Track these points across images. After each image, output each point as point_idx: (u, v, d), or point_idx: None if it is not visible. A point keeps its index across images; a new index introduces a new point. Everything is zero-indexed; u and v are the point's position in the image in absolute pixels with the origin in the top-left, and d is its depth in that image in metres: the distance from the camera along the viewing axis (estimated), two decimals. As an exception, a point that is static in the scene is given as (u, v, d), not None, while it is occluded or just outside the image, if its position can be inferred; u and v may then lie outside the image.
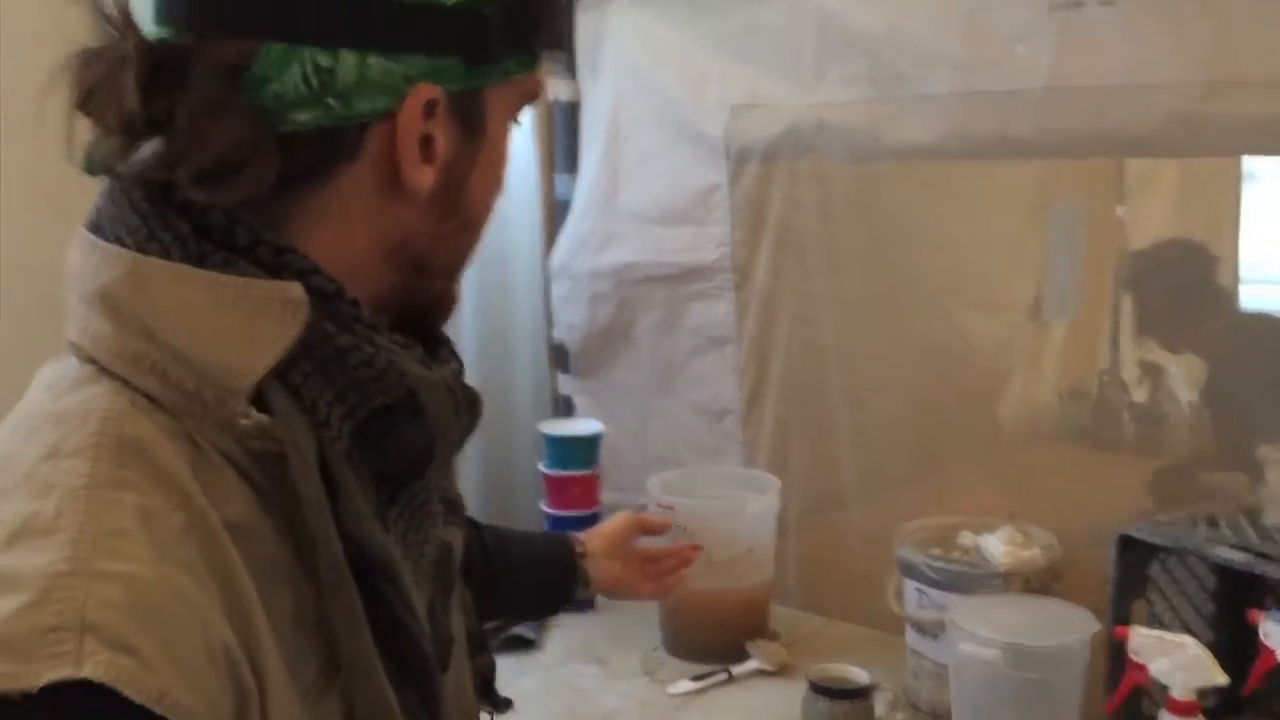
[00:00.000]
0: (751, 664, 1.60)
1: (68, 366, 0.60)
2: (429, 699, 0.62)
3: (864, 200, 1.76)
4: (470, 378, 2.06)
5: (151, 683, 0.49)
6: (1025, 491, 1.71)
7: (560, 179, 2.08)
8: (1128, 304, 2.27)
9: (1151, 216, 2.20)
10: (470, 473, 2.19)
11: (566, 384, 2.12)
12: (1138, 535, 1.31)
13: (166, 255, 0.59)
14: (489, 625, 1.64)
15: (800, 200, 1.78)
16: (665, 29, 1.89)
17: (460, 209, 0.67)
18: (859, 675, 1.40)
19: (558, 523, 1.83)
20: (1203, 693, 1.04)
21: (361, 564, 0.59)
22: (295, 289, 0.59)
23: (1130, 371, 2.10)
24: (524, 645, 1.69)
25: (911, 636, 1.50)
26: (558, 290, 2.07)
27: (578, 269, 2.02)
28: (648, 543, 1.47)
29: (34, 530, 0.51)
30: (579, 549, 1.33)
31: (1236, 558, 1.21)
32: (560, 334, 2.10)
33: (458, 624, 0.72)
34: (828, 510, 1.87)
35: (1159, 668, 1.04)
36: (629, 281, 1.96)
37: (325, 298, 0.61)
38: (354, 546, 0.59)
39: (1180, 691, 1.03)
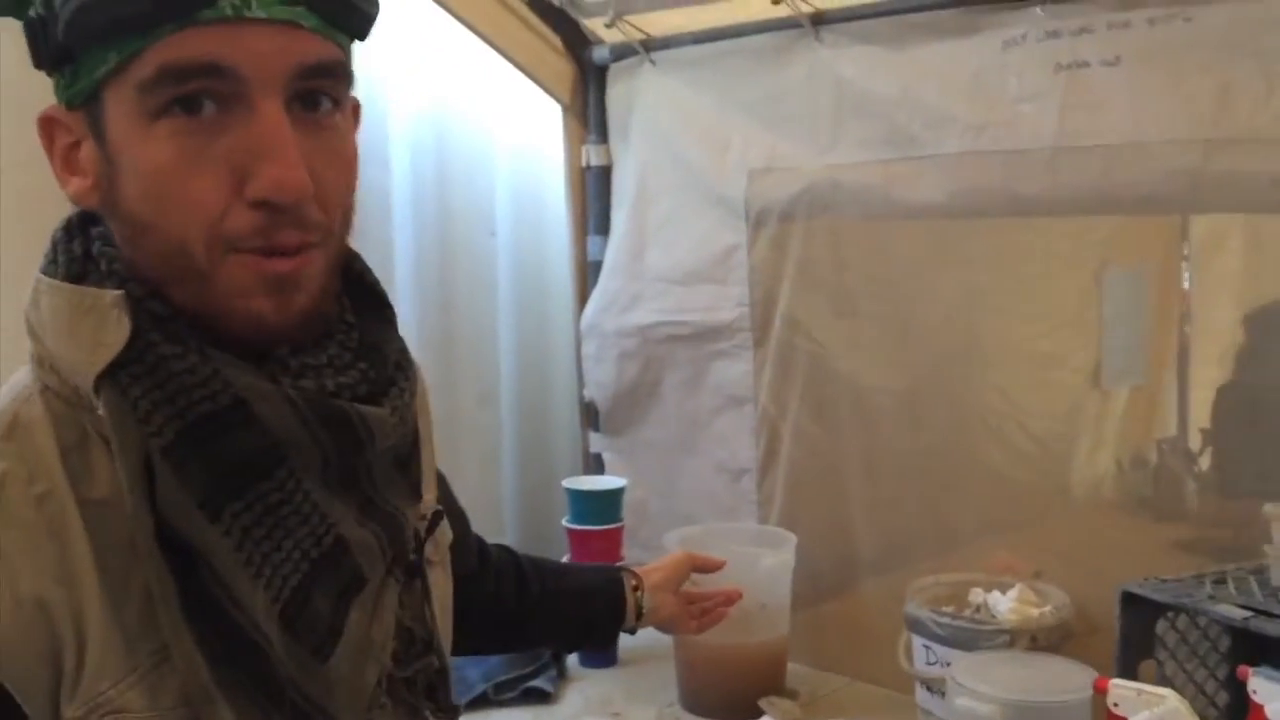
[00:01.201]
0: (764, 721, 1.60)
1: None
2: (259, 678, 0.67)
3: (879, 259, 1.78)
4: (509, 436, 2.07)
5: None
6: (1054, 551, 1.69)
7: (593, 240, 2.13)
8: (1197, 370, 2.24)
9: (1218, 279, 2.18)
10: (509, 530, 2.23)
11: (597, 442, 2.15)
12: (1140, 592, 1.30)
13: (54, 274, 0.71)
14: (519, 672, 1.69)
15: (816, 259, 1.81)
16: (691, 96, 1.94)
17: (120, 214, 0.69)
18: (862, 731, 1.40)
19: (578, 577, 1.85)
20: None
21: (179, 547, 0.65)
22: (112, 294, 0.68)
23: (1196, 440, 2.07)
24: (541, 698, 1.70)
25: (920, 694, 1.49)
26: (587, 349, 2.12)
27: (606, 328, 2.07)
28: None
29: None
30: (632, 582, 1.35)
31: (1235, 614, 1.20)
32: (590, 392, 2.14)
33: (367, 620, 0.74)
34: (846, 570, 1.86)
35: (1139, 721, 1.03)
36: (654, 340, 2.00)
37: (154, 317, 0.68)
38: (172, 531, 0.65)
39: (1160, 746, 1.02)
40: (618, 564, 1.45)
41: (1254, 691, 1.07)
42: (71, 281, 0.70)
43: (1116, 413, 2.17)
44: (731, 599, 1.49)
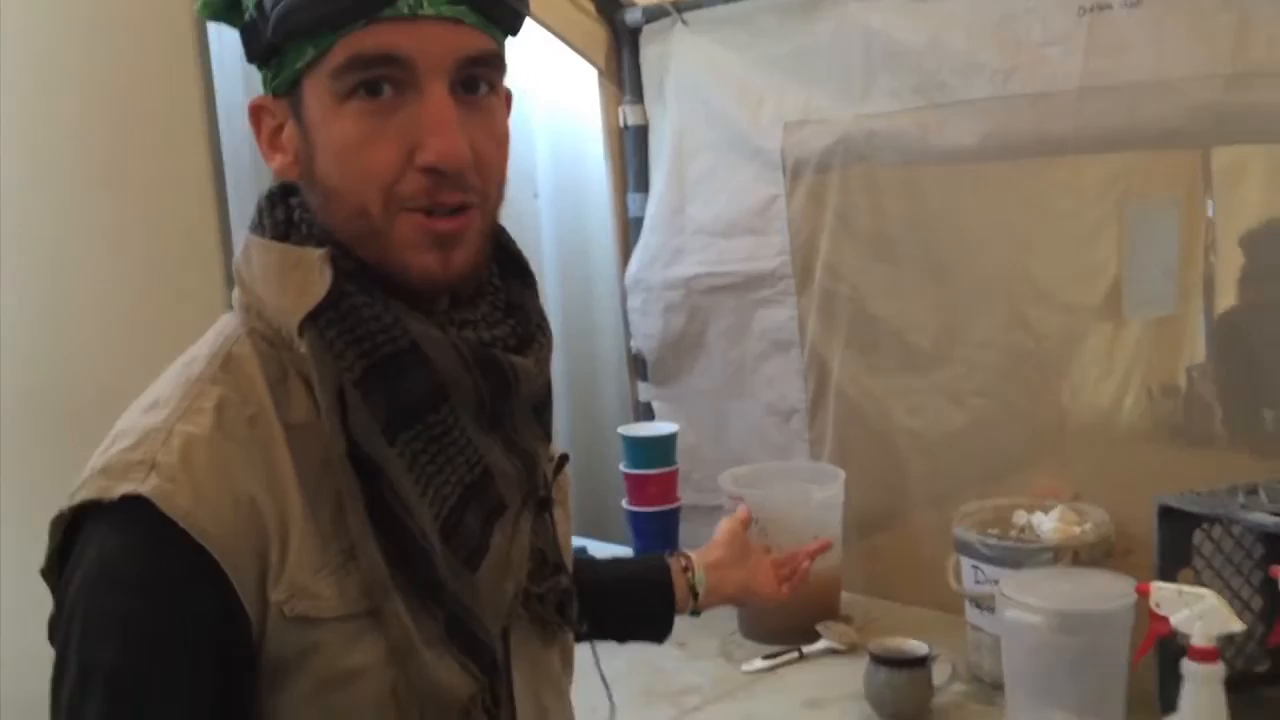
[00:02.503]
0: (822, 644, 1.70)
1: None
2: (426, 580, 0.79)
3: (914, 204, 1.85)
4: (558, 388, 2.19)
5: (181, 504, 0.73)
6: (1093, 477, 1.77)
7: (633, 198, 2.22)
8: (1224, 296, 2.29)
9: (1241, 209, 2.23)
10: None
11: (645, 391, 2.24)
12: (1176, 505, 1.38)
13: (262, 234, 0.84)
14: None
15: (853, 207, 1.89)
16: (724, 54, 2.01)
17: (315, 184, 0.81)
18: (917, 647, 1.49)
19: (638, 518, 1.95)
20: (1224, 641, 1.11)
21: (364, 465, 0.78)
22: (319, 252, 0.80)
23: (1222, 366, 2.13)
24: (610, 633, 1.80)
25: (970, 611, 1.58)
26: (633, 303, 2.20)
27: (651, 281, 2.15)
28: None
29: (159, 403, 0.79)
30: (682, 563, 1.32)
31: (1266, 520, 1.28)
32: (638, 344, 2.22)
33: (507, 541, 0.86)
34: (895, 502, 1.96)
35: (1180, 619, 1.12)
36: (698, 291, 2.09)
37: (347, 273, 0.80)
38: (359, 450, 0.78)
39: (1200, 639, 1.10)
40: (670, 550, 1.38)
41: (1286, 589, 1.15)
42: (277, 241, 0.82)
43: (1148, 342, 2.24)
44: (813, 553, 1.52)
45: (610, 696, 1.22)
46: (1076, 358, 1.96)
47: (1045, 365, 1.91)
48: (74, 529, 0.76)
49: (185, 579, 0.74)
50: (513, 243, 0.92)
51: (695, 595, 1.32)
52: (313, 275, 0.79)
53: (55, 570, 0.77)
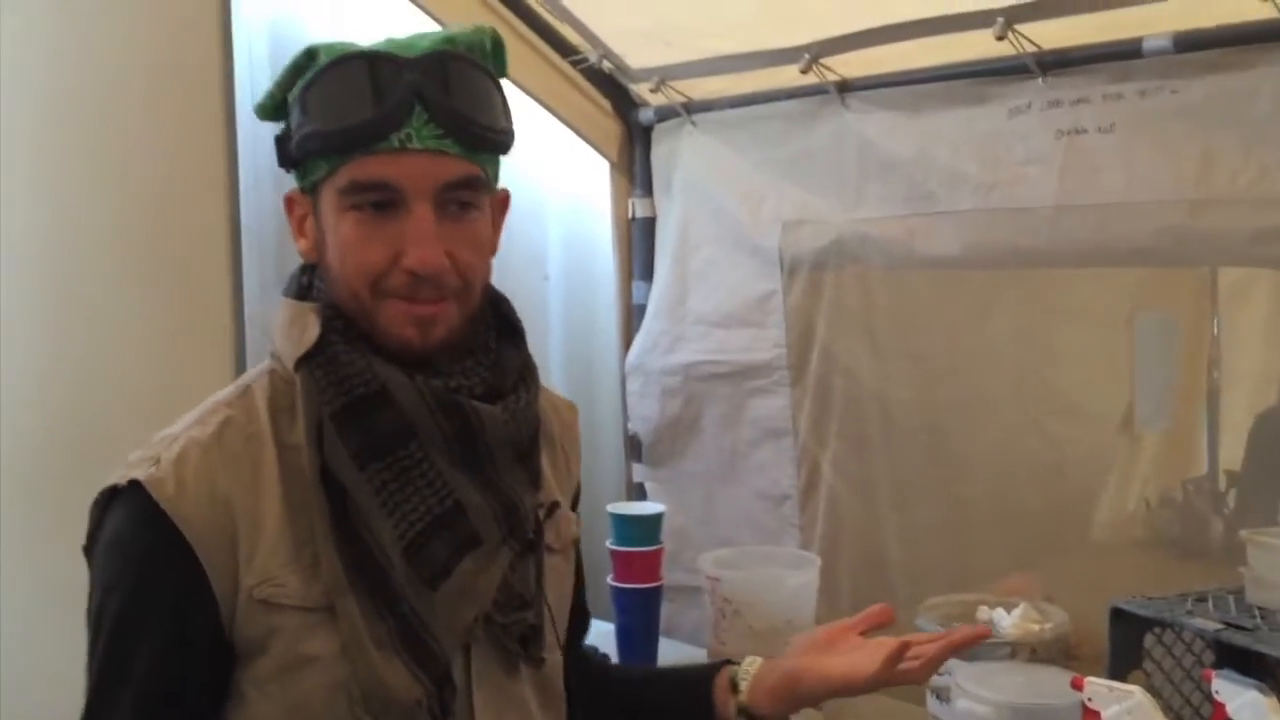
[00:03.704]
0: (790, 727, 1.74)
1: None
2: (380, 589, 0.92)
3: (904, 305, 1.93)
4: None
5: (167, 492, 0.91)
6: (1075, 583, 1.81)
7: (638, 286, 2.32)
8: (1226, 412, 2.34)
9: (1246, 328, 2.29)
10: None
11: (640, 472, 2.32)
12: (1128, 608, 1.43)
13: (288, 294, 1.03)
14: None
15: (846, 305, 1.97)
16: (729, 154, 2.12)
17: (329, 268, 0.99)
18: (876, 733, 1.54)
19: (620, 594, 2.01)
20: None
21: (337, 487, 0.93)
22: (310, 306, 0.99)
23: (1223, 481, 2.18)
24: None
25: (931, 702, 1.62)
26: (632, 386, 2.29)
27: (650, 367, 2.24)
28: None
29: (188, 420, 0.98)
30: (725, 673, 1.19)
31: (1208, 627, 1.33)
32: (635, 426, 2.30)
33: (477, 570, 0.97)
34: (879, 592, 2.00)
35: (1110, 714, 1.17)
36: (695, 378, 2.17)
37: (338, 330, 0.97)
38: (331, 474, 0.93)
39: (1127, 735, 1.15)
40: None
41: (1216, 692, 1.19)
42: (295, 299, 1.01)
43: (1145, 454, 2.28)
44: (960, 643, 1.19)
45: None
46: (1068, 465, 2.02)
47: (1034, 470, 1.97)
48: (106, 507, 0.95)
49: (165, 552, 0.91)
50: (513, 312, 1.08)
51: (735, 689, 1.17)
52: (307, 327, 0.97)
53: (91, 541, 0.96)
